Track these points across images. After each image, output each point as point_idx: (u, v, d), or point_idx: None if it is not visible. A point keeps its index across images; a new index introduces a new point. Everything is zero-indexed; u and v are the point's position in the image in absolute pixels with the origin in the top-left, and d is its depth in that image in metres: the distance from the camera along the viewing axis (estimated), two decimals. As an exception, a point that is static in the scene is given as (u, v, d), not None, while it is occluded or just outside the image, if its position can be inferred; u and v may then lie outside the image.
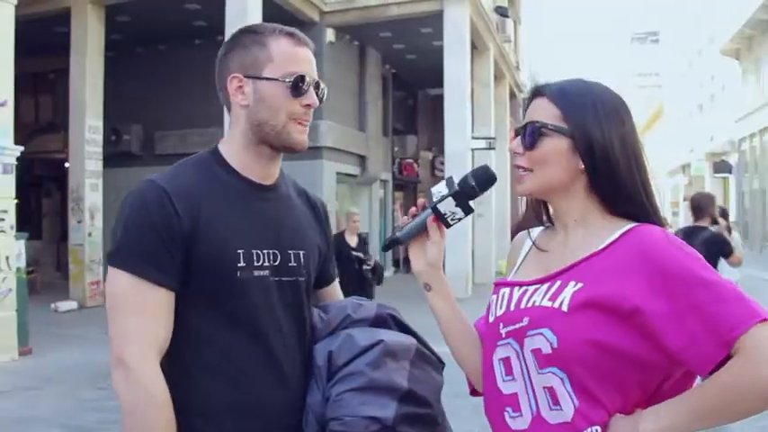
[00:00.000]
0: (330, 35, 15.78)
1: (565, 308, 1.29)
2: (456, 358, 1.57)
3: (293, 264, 1.66)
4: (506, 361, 1.36)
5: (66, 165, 14.69)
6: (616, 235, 1.34)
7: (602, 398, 1.27)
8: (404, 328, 1.72)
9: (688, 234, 5.88)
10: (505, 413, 1.36)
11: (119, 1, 13.92)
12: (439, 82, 15.69)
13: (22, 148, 8.76)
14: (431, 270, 1.52)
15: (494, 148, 17.91)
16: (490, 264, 18.05)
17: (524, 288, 1.40)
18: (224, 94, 1.66)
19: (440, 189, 1.48)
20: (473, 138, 16.23)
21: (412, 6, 15.47)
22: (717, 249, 5.82)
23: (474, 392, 1.58)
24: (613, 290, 1.26)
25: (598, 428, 1.26)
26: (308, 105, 1.62)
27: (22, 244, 9.06)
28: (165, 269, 1.49)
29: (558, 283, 1.34)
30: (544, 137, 1.39)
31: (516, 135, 1.45)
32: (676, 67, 50.73)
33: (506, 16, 20.77)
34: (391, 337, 1.63)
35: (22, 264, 9.03)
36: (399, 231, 1.51)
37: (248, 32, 1.64)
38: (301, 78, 1.59)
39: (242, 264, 1.55)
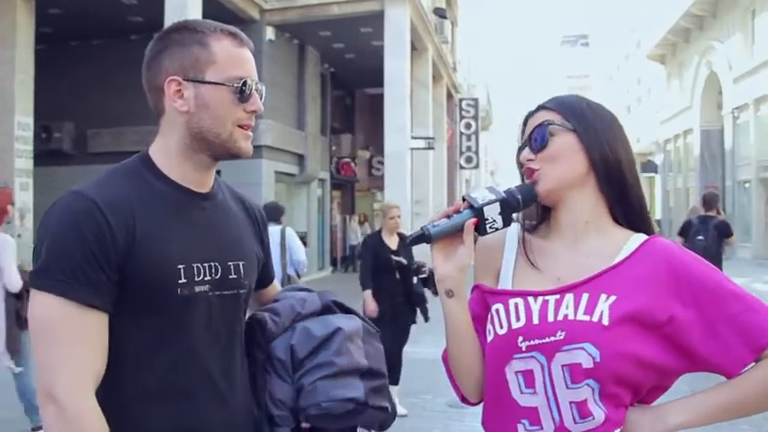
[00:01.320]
0: (270, 33, 15.64)
1: (606, 321, 1.29)
2: (456, 367, 1.51)
3: (233, 276, 1.54)
4: (528, 374, 1.33)
5: (-6, 162, 14.16)
6: (633, 246, 1.38)
7: (625, 400, 1.33)
8: (346, 310, 1.76)
9: (703, 221, 8.43)
10: (520, 425, 1.35)
11: (50, -7, 13.51)
12: (377, 81, 15.76)
13: (-54, 145, 8.39)
14: (458, 276, 1.43)
15: (433, 148, 18.13)
16: (427, 261, 18.19)
17: (543, 299, 1.36)
18: (155, 97, 1.50)
19: (482, 194, 1.42)
20: (412, 137, 16.35)
21: (353, 6, 15.50)
22: (723, 232, 8.34)
23: (464, 400, 1.55)
24: (647, 302, 1.31)
25: (620, 430, 1.32)
26: (254, 111, 1.50)
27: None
28: (97, 289, 1.34)
29: (587, 295, 1.33)
30: (552, 136, 1.42)
31: (520, 151, 1.47)
32: (605, 69, 52.25)
33: (445, 18, 21.00)
34: (343, 322, 1.67)
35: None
36: (432, 227, 1.40)
37: (186, 30, 1.48)
38: (247, 82, 1.47)
39: (183, 280, 1.43)
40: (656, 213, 38.78)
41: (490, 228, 1.41)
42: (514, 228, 1.51)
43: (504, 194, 1.42)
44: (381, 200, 18.77)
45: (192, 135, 1.47)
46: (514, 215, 1.44)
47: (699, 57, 29.64)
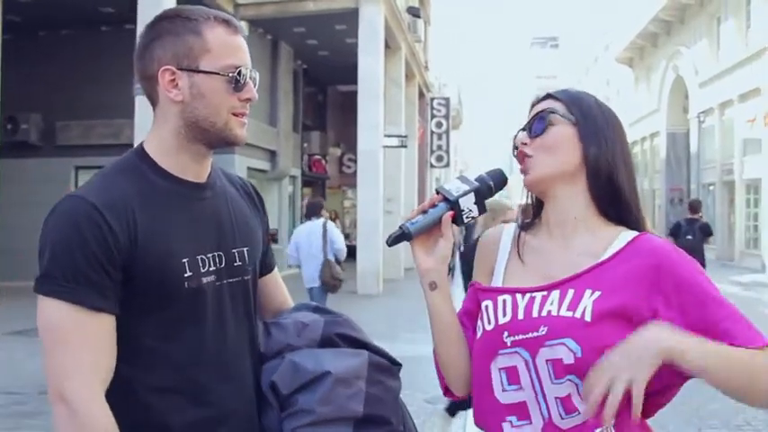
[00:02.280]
0: (244, 28, 15.51)
1: (588, 318, 1.28)
2: (442, 360, 1.51)
3: (239, 263, 1.54)
4: (511, 370, 1.34)
5: (-42, 154, 13.87)
6: (622, 242, 1.37)
7: None
8: (354, 342, 1.62)
9: (689, 223, 10.34)
10: (505, 423, 1.34)
11: (19, -19, 13.27)
12: (349, 79, 15.77)
13: None
14: (441, 269, 1.45)
15: (405, 146, 18.16)
16: (399, 260, 18.26)
17: (530, 295, 1.37)
18: (149, 87, 1.48)
19: (456, 185, 1.43)
20: (385, 135, 16.36)
21: (328, 3, 15.47)
22: (706, 232, 10.49)
23: (447, 392, 1.55)
24: (632, 299, 1.29)
25: (611, 427, 1.28)
26: (248, 99, 1.49)
27: None
28: (101, 292, 1.34)
29: (572, 291, 1.33)
30: (552, 125, 1.41)
31: (522, 130, 1.46)
32: (574, 71, 52.82)
33: (418, 17, 21.05)
34: (340, 362, 1.53)
35: None
36: (411, 224, 1.40)
37: (178, 18, 1.45)
38: (242, 71, 1.46)
39: (188, 273, 1.43)
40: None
41: (467, 218, 1.42)
42: (512, 226, 1.53)
43: (477, 183, 1.43)
44: (352, 197, 18.80)
45: (187, 124, 1.46)
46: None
47: (666, 61, 30.15)
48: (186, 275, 1.42)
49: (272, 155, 18.34)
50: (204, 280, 1.46)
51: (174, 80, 1.44)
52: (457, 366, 1.49)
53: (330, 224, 8.22)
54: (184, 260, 1.43)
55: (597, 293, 1.31)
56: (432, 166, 27.31)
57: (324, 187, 24.72)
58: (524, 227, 1.51)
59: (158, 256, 1.40)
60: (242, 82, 1.46)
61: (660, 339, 1.21)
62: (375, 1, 15.33)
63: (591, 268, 1.35)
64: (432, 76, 29.57)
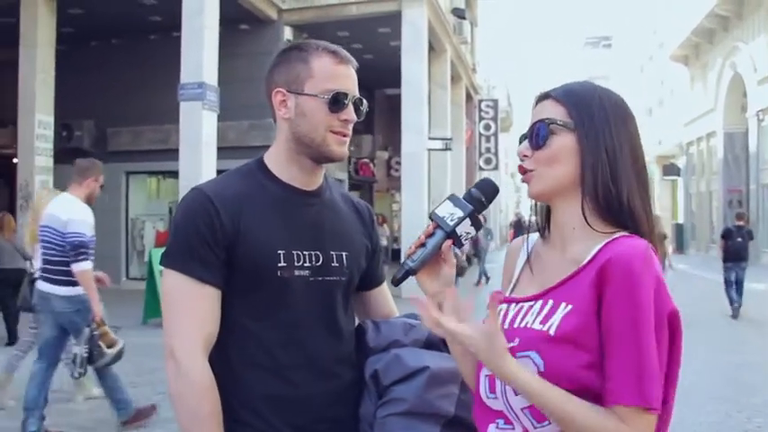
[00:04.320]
0: (288, 33, 15.70)
1: (552, 332, 1.26)
2: (463, 373, 1.53)
3: (336, 264, 1.73)
4: (492, 378, 1.35)
5: (15, 161, 14.32)
6: (598, 248, 1.31)
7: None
8: None
9: (738, 228, 12.95)
10: (493, 424, 1.36)
11: (71, -7, 13.67)
12: (396, 82, 15.75)
13: (-33, 143, 8.51)
14: (446, 291, 1.45)
15: (450, 149, 18.07)
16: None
17: (520, 305, 1.38)
18: (270, 107, 1.73)
19: (449, 210, 1.44)
20: (430, 138, 16.32)
21: (371, 6, 15.52)
22: (750, 236, 13.12)
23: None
24: (592, 308, 1.25)
25: None
26: (346, 120, 1.68)
27: (-33, 240, 8.77)
28: (210, 269, 1.59)
29: (551, 302, 1.32)
30: (553, 135, 1.36)
31: (522, 140, 1.42)
32: (627, 71, 51.83)
33: (463, 18, 20.95)
34: (440, 362, 1.65)
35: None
36: (412, 262, 1.44)
37: (294, 49, 1.72)
38: (339, 95, 1.66)
39: (282, 264, 1.64)
40: (679, 217, 38.39)
41: (465, 240, 1.45)
42: (536, 235, 1.52)
43: (469, 206, 1.44)
44: (399, 201, 18.79)
45: (293, 139, 1.70)
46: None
47: (723, 58, 29.32)
48: (280, 265, 1.64)
49: (319, 159, 18.45)
50: (297, 273, 1.66)
51: (284, 101, 1.69)
52: (467, 372, 1.51)
53: None
54: (280, 252, 1.64)
55: (569, 307, 1.28)
56: (480, 168, 27.16)
57: (371, 191, 24.78)
58: (542, 234, 1.50)
59: (256, 243, 1.63)
60: (342, 103, 1.67)
61: (506, 364, 1.23)
62: (418, 3, 15.31)
63: (568, 278, 1.33)
64: (480, 78, 29.40)
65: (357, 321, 1.86)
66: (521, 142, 1.43)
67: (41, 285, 5.25)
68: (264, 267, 1.63)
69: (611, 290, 1.23)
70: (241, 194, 1.66)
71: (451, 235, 1.43)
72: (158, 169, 16.56)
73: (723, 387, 7.21)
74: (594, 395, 1.22)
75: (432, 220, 1.46)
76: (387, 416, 1.60)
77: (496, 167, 28.05)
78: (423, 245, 1.44)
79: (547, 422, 1.26)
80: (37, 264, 5.62)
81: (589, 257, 1.31)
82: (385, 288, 1.97)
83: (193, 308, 1.58)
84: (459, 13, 20.56)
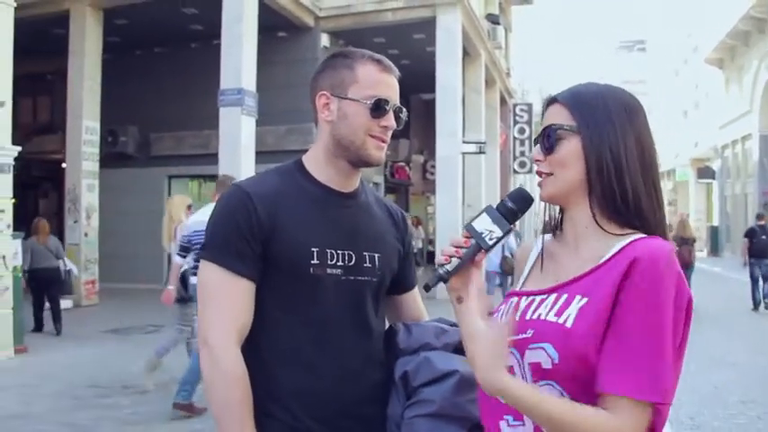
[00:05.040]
0: (325, 40, 15.97)
1: (569, 324, 1.28)
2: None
3: (368, 265, 1.76)
4: (510, 370, 1.33)
5: (63, 165, 14.81)
6: (619, 246, 1.33)
7: (595, 400, 1.27)
8: None
9: (761, 227, 13.70)
10: (503, 421, 1.36)
11: (117, 4, 14.09)
12: (431, 87, 15.92)
13: (19, 149, 8.80)
14: (467, 286, 1.47)
15: (484, 153, 18.20)
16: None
17: (532, 298, 1.40)
18: (313, 110, 1.79)
19: (487, 227, 1.45)
20: (464, 142, 16.48)
21: (406, 12, 15.68)
22: None
23: None
24: (610, 305, 1.27)
25: None
26: (386, 126, 1.74)
27: (18, 243, 9.16)
28: (246, 262, 1.63)
29: (565, 296, 1.34)
30: (561, 140, 1.40)
31: (536, 144, 1.47)
32: (662, 75, 51.39)
33: (497, 23, 21.08)
34: (468, 367, 1.55)
35: (19, 263, 9.11)
36: (444, 272, 1.43)
37: (340, 56, 1.78)
38: (380, 101, 1.71)
39: (315, 261, 1.67)
40: (714, 220, 37.96)
41: (494, 246, 1.47)
42: (549, 236, 1.54)
43: (507, 225, 1.45)
44: (434, 203, 18.99)
45: (333, 142, 1.74)
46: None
47: (758, 61, 29.02)
48: (313, 262, 1.68)
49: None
50: (329, 271, 1.70)
51: (327, 104, 1.75)
52: None
53: None
54: (314, 249, 1.68)
55: (584, 300, 1.30)
56: (515, 172, 27.20)
57: (407, 194, 25.00)
58: (553, 234, 1.53)
59: (291, 240, 1.67)
60: (383, 110, 1.72)
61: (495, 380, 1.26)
62: (452, 10, 15.50)
63: (585, 274, 1.35)
64: (514, 83, 29.46)
65: (387, 325, 1.87)
66: (534, 144, 1.48)
67: (195, 280, 5.70)
68: (298, 264, 1.66)
69: (634, 289, 1.25)
70: (278, 192, 1.70)
71: (488, 249, 1.45)
72: (199, 173, 16.87)
73: (755, 389, 7.16)
74: None
75: (466, 231, 1.45)
76: (414, 417, 1.61)
77: (530, 171, 28.04)
78: (458, 257, 1.44)
79: None
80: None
81: (608, 255, 1.33)
82: (416, 292, 1.98)
83: (228, 299, 1.62)
84: (492, 19, 20.71)
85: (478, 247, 1.44)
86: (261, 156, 11.70)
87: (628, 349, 1.23)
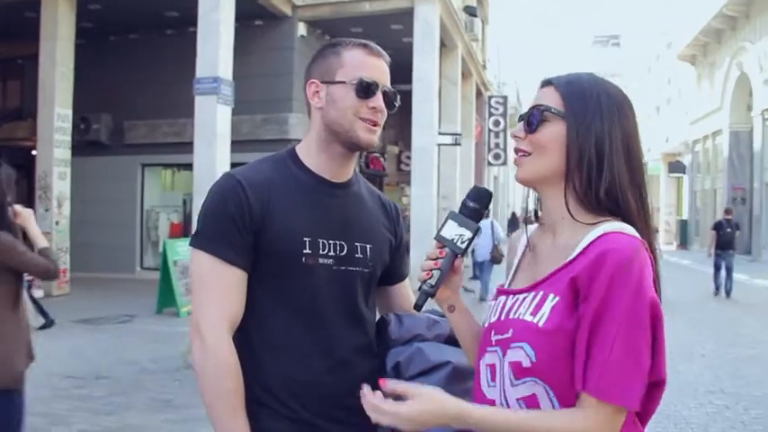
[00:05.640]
0: (302, 29, 15.87)
1: (542, 324, 1.29)
2: (466, 352, 1.61)
3: (359, 255, 1.76)
4: (492, 367, 1.38)
5: (34, 153, 14.54)
6: (590, 239, 1.32)
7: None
8: None
9: (727, 221, 15.14)
10: None
11: (91, -11, 13.90)
12: (407, 78, 15.89)
13: (-13, 135, 8.66)
14: (455, 294, 1.56)
15: (459, 144, 18.26)
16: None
17: (515, 297, 1.41)
18: (306, 100, 1.79)
19: (455, 231, 1.51)
20: (439, 133, 16.51)
21: (384, 3, 15.63)
22: (737, 227, 15.58)
23: None
24: (575, 303, 1.28)
25: None
26: (374, 108, 1.71)
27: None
28: (237, 251, 1.63)
29: (541, 293, 1.34)
30: (545, 122, 1.38)
31: (519, 121, 1.45)
32: (636, 70, 51.88)
33: (475, 16, 21.10)
34: (462, 358, 1.64)
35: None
36: (430, 287, 1.50)
37: (329, 46, 1.80)
38: (365, 82, 1.70)
39: (307, 250, 1.67)
40: (683, 214, 38.51)
41: (467, 249, 1.53)
42: (536, 226, 1.55)
43: (474, 224, 1.52)
44: (409, 194, 19.03)
45: (324, 127, 1.74)
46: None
47: (730, 58, 29.42)
48: (305, 252, 1.68)
49: (330, 153, 18.62)
50: (321, 261, 1.70)
51: (317, 91, 1.75)
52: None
53: (495, 222, 12.53)
54: (306, 239, 1.68)
55: (557, 299, 1.30)
56: (489, 163, 27.36)
57: (381, 184, 24.99)
58: (539, 224, 1.53)
59: (283, 229, 1.67)
60: (367, 91, 1.71)
61: (445, 411, 1.28)
62: (430, 1, 15.49)
63: (557, 270, 1.35)
64: (490, 75, 29.57)
65: (378, 316, 1.88)
66: (518, 121, 1.47)
67: None
68: (290, 253, 1.66)
69: (601, 286, 1.24)
70: (271, 181, 1.70)
71: (462, 253, 1.51)
72: (173, 162, 16.73)
73: (724, 379, 7.33)
74: None
75: (438, 242, 1.51)
76: None
77: (505, 163, 28.24)
78: (438, 268, 1.49)
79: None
80: None
81: (578, 250, 1.32)
82: (407, 283, 1.99)
83: (220, 288, 1.61)
84: (470, 11, 20.73)
85: (454, 254, 1.49)
86: (236, 145, 11.61)
87: (596, 348, 1.23)
